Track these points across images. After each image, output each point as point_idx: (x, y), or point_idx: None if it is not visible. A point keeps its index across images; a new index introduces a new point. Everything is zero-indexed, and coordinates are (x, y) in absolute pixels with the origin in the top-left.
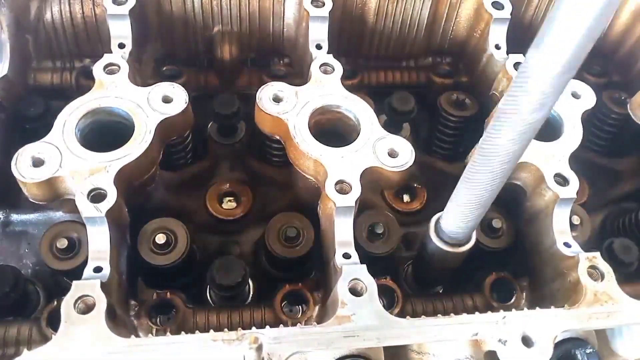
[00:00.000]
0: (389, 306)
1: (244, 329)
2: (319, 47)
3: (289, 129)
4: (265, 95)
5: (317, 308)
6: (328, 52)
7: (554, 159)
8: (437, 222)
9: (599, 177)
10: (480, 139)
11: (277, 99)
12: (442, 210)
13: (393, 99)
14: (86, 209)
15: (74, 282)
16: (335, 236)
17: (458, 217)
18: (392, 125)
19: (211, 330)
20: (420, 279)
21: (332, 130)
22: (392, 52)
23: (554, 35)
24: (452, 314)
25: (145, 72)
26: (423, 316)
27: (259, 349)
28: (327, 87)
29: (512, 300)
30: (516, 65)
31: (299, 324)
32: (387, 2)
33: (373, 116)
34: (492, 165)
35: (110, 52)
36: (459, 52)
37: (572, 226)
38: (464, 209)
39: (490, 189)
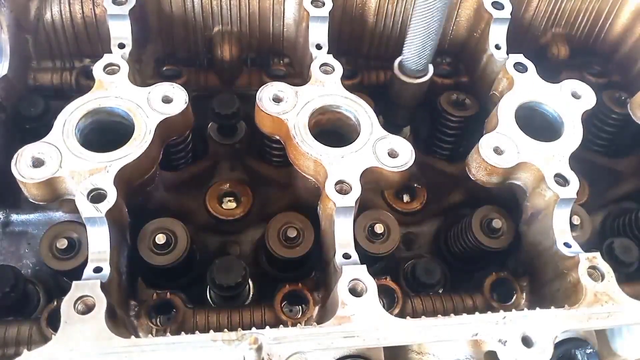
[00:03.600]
0: (389, 306)
1: (244, 329)
2: (319, 47)
3: (289, 129)
4: (265, 95)
5: (317, 308)
6: (328, 52)
7: (554, 159)
8: (400, 62)
9: (599, 177)
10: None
11: (277, 99)
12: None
13: None
14: (86, 209)
15: (74, 283)
16: (335, 236)
17: (414, 48)
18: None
19: (211, 331)
20: (390, 119)
21: (332, 130)
22: (392, 52)
23: None
24: (452, 314)
25: (145, 72)
26: (423, 316)
27: (259, 349)
28: (327, 87)
29: (512, 300)
30: (516, 65)
31: (299, 324)
32: (387, 2)
33: (373, 116)
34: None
35: (110, 52)
36: (459, 52)
37: (572, 226)
38: (418, 40)
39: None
